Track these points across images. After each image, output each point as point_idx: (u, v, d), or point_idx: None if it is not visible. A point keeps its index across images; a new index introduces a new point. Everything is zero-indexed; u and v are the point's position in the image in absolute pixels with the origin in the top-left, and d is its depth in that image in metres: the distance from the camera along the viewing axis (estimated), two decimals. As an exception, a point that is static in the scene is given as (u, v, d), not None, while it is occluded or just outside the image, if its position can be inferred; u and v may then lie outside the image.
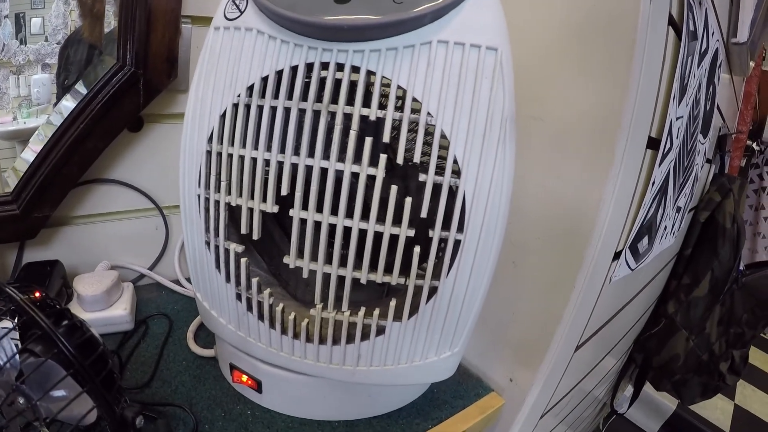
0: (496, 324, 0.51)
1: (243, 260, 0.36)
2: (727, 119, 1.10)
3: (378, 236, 0.32)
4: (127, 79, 0.52)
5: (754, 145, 1.78)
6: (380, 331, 0.36)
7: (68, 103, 0.56)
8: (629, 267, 0.57)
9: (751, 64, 1.05)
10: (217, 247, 0.37)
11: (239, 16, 0.34)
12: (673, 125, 0.53)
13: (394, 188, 0.31)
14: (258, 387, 0.44)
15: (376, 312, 0.35)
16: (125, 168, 0.60)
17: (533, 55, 0.46)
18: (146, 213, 0.63)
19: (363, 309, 0.35)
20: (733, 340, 0.97)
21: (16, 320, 0.32)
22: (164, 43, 0.53)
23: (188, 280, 0.64)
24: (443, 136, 0.31)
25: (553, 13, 0.45)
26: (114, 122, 0.54)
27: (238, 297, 0.38)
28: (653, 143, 0.48)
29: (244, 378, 0.44)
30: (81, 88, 0.56)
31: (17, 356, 0.30)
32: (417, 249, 0.33)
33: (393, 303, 0.35)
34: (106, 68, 0.53)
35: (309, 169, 0.32)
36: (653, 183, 0.51)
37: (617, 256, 0.50)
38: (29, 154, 0.56)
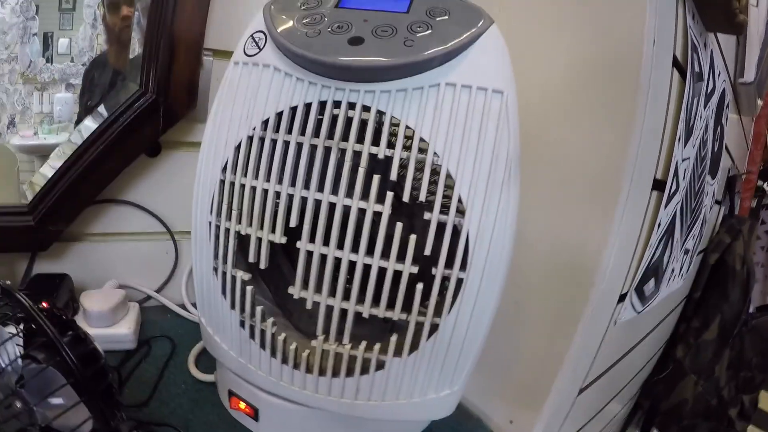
0: (498, 364, 0.51)
1: (249, 288, 0.37)
2: (737, 160, 1.10)
3: (382, 272, 0.33)
4: (148, 106, 0.54)
5: (765, 185, 1.78)
6: (380, 365, 0.36)
7: (90, 124, 0.58)
8: (635, 310, 0.56)
9: (759, 103, 1.06)
10: (224, 274, 0.37)
11: (258, 53, 0.36)
12: (679, 166, 0.53)
13: (399, 225, 0.32)
14: (255, 415, 0.43)
15: (377, 347, 0.35)
16: (140, 191, 0.61)
17: (539, 97, 0.47)
18: (158, 237, 0.64)
19: (364, 343, 0.36)
20: (743, 385, 0.94)
21: (21, 326, 0.33)
22: (185, 73, 0.55)
23: (194, 305, 0.65)
24: (449, 176, 0.32)
25: (558, 55, 0.46)
26: (133, 146, 0.56)
27: (242, 324, 0.38)
28: (659, 185, 0.49)
29: (242, 405, 0.44)
30: (103, 110, 0.59)
31: (19, 360, 0.31)
32: (420, 286, 0.33)
33: (394, 339, 0.35)
34: (129, 94, 0.55)
35: (318, 203, 0.33)
36: (659, 225, 0.51)
37: (622, 298, 0.50)
38: (48, 169, 0.58)
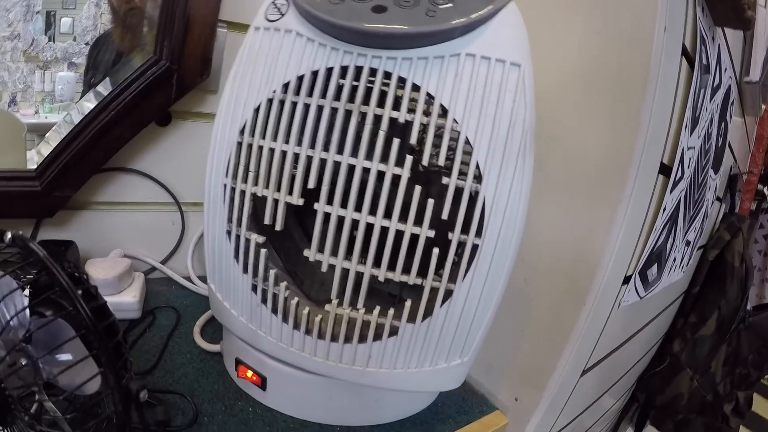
0: (505, 342, 0.51)
1: (263, 251, 0.37)
2: (739, 160, 1.11)
3: (398, 236, 0.33)
4: (161, 73, 0.54)
5: (766, 189, 1.79)
6: (393, 332, 0.36)
7: (102, 90, 0.58)
8: (638, 294, 0.57)
9: (764, 106, 1.07)
10: (237, 237, 0.38)
11: (280, 18, 0.36)
12: (684, 154, 0.54)
13: (417, 189, 0.32)
14: (262, 384, 0.44)
15: (391, 312, 0.36)
16: (149, 160, 0.61)
17: (551, 79, 0.47)
18: (164, 207, 0.64)
19: (378, 308, 0.36)
20: (738, 381, 0.95)
21: (29, 277, 0.32)
22: (200, 42, 0.55)
23: (200, 278, 0.65)
24: (467, 143, 0.32)
25: (570, 39, 0.47)
26: (144, 113, 0.56)
27: (254, 288, 0.39)
28: (665, 169, 0.49)
29: (249, 374, 0.44)
30: (107, 84, 0.58)
31: (27, 314, 0.30)
32: (436, 250, 0.33)
33: (408, 304, 0.35)
34: (142, 60, 0.54)
35: (336, 166, 0.33)
36: (664, 209, 0.52)
37: (627, 280, 0.51)
38: (56, 136, 0.57)
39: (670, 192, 0.52)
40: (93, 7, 0.58)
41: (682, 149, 0.53)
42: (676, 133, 0.50)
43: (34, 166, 0.56)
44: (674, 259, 0.67)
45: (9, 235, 0.30)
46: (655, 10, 0.41)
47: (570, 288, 0.46)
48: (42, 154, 0.57)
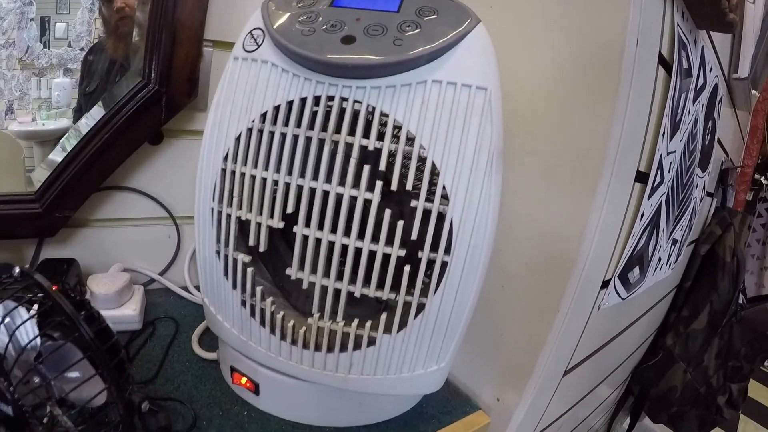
0: (486, 345, 0.53)
1: (249, 270, 0.39)
2: (731, 153, 1.11)
3: (373, 254, 0.35)
4: (150, 97, 0.56)
5: (763, 179, 1.79)
6: (371, 342, 0.39)
7: (95, 114, 0.60)
8: (620, 296, 0.59)
9: (755, 93, 1.06)
10: (226, 257, 0.40)
11: (256, 49, 0.38)
12: (663, 160, 0.55)
13: (387, 212, 0.34)
14: (256, 389, 0.46)
15: (368, 324, 0.38)
16: (144, 178, 0.64)
17: (527, 92, 0.49)
18: (160, 221, 0.67)
19: (356, 320, 0.38)
20: (731, 374, 0.97)
21: (36, 306, 0.35)
22: (187, 64, 0.57)
23: (196, 287, 0.67)
24: (434, 167, 0.34)
25: (546, 53, 0.48)
26: (136, 135, 0.58)
27: (243, 303, 0.41)
28: (642, 177, 0.51)
29: (243, 380, 0.47)
30: (104, 105, 0.60)
31: (38, 338, 0.33)
32: (407, 268, 0.36)
33: (384, 316, 0.38)
34: (131, 84, 0.56)
35: (313, 191, 0.35)
36: (642, 215, 0.53)
37: (605, 284, 0.52)
38: (56, 156, 0.59)
39: (648, 198, 0.54)
40: (86, 12, 0.59)
41: (661, 155, 0.54)
42: (653, 140, 0.51)
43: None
44: (659, 259, 0.68)
45: (17, 270, 0.32)
46: (626, 24, 0.42)
47: (545, 295, 0.48)
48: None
